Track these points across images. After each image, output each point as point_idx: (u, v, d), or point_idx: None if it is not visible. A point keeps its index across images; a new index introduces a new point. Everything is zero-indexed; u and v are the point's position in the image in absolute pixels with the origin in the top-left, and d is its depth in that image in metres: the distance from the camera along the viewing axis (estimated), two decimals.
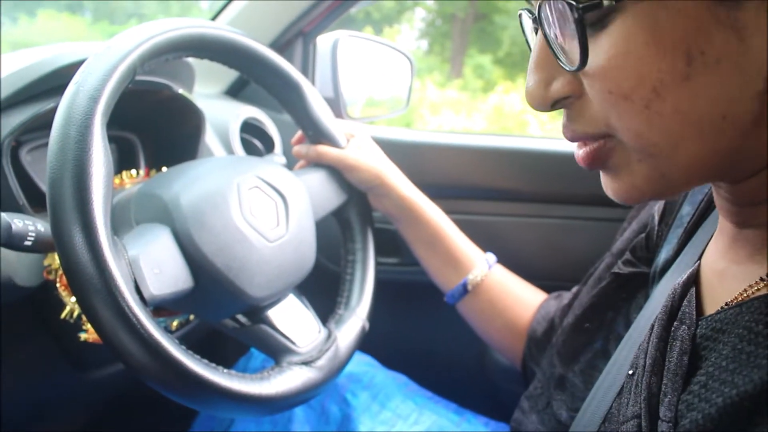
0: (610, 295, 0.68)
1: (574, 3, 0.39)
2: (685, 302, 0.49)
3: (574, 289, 0.81)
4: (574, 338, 0.70)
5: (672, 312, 0.49)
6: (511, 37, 7.75)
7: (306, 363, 0.71)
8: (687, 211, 0.62)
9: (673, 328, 0.47)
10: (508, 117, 6.56)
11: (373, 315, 0.85)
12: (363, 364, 0.98)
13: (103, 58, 0.58)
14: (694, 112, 0.39)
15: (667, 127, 0.40)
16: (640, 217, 0.71)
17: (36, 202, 0.73)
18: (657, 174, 0.43)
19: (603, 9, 0.39)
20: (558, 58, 0.43)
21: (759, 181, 0.44)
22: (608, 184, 0.47)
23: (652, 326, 0.50)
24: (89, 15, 8.30)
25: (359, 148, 0.87)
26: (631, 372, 0.51)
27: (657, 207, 0.67)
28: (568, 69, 0.42)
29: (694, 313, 0.47)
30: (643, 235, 0.67)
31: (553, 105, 0.45)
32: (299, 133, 0.89)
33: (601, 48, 0.40)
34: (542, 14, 0.42)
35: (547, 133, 6.32)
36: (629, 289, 0.67)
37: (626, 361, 0.56)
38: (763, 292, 0.43)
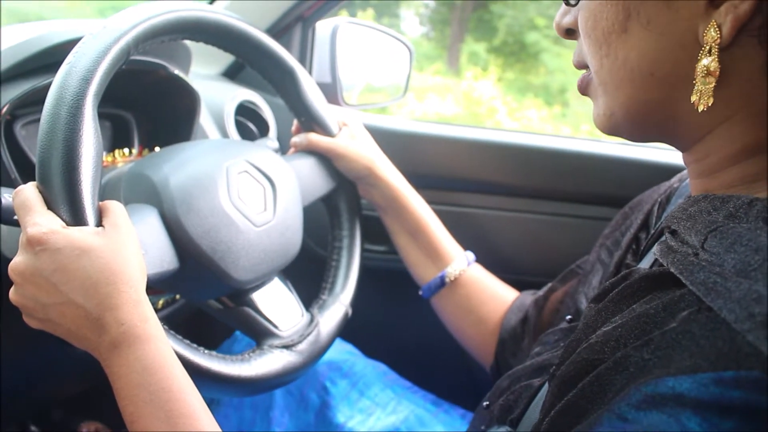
0: None
1: None
2: None
3: (549, 285, 0.82)
4: None
5: None
6: (507, 26, 7.68)
7: (287, 347, 0.72)
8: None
9: None
10: (477, 103, 6.63)
11: (357, 303, 0.86)
12: (343, 352, 0.98)
13: (97, 39, 0.58)
14: (629, 63, 0.46)
15: (612, 70, 0.47)
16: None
17: (29, 176, 0.72)
18: (609, 111, 0.49)
19: None
20: None
21: (704, 147, 0.47)
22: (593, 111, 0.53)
23: None
24: None
25: (351, 138, 0.87)
26: None
27: (643, 215, 0.67)
28: (570, 4, 0.52)
29: None
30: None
31: (566, 33, 0.54)
32: (296, 122, 0.89)
33: None
34: None
35: (515, 120, 6.37)
36: None
37: None
38: None
